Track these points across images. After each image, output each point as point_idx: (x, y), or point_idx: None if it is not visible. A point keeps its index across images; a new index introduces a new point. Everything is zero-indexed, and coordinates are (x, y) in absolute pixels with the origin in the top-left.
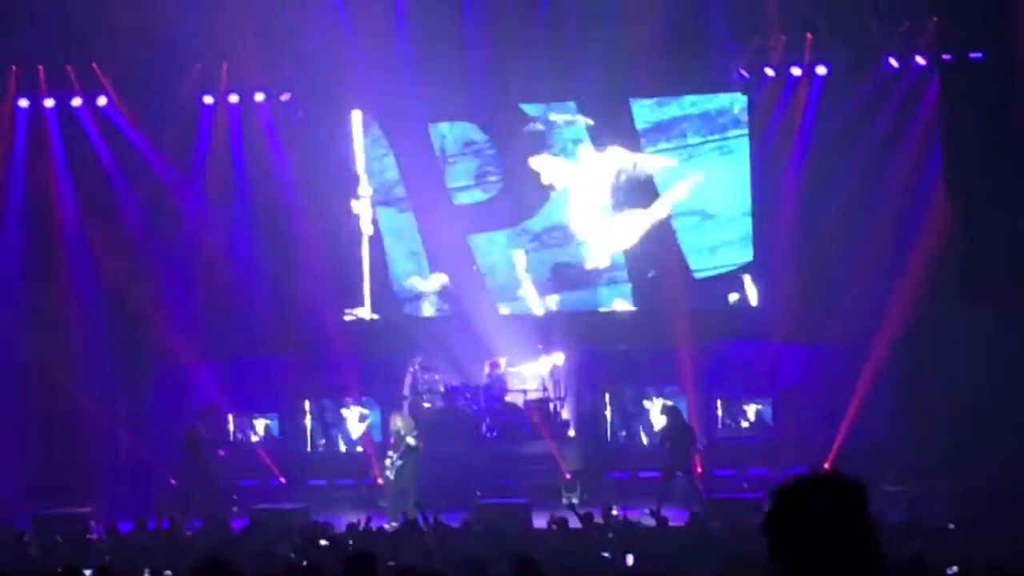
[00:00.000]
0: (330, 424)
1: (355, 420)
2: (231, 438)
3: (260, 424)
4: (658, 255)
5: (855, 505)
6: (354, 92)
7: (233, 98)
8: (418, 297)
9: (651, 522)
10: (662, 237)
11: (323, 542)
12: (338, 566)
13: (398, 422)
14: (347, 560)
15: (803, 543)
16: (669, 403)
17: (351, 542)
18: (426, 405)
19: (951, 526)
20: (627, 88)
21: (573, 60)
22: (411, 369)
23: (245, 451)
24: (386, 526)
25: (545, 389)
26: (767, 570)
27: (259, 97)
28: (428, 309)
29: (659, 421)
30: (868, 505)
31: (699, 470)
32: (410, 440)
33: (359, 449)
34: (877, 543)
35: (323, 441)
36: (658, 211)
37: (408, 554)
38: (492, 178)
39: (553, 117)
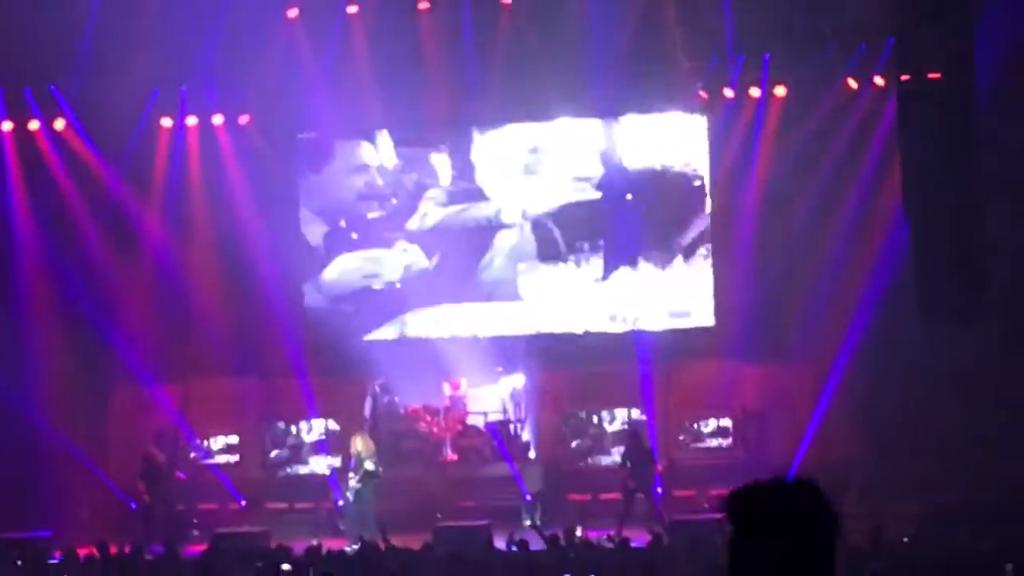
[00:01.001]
0: (289, 446)
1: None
2: (189, 461)
3: (219, 446)
4: None
5: (816, 510)
6: (311, 114)
7: (191, 121)
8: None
9: (611, 545)
10: None
11: (285, 566)
12: None
13: (358, 444)
14: None
15: (761, 547)
16: (627, 426)
17: (313, 566)
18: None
19: (905, 539)
20: (581, 108)
21: (528, 82)
22: (371, 391)
23: (204, 474)
24: (347, 549)
25: (505, 411)
26: None
27: (217, 120)
28: (390, 332)
29: (618, 442)
30: (831, 512)
31: (660, 491)
32: (368, 465)
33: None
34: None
35: (283, 464)
36: None
37: None
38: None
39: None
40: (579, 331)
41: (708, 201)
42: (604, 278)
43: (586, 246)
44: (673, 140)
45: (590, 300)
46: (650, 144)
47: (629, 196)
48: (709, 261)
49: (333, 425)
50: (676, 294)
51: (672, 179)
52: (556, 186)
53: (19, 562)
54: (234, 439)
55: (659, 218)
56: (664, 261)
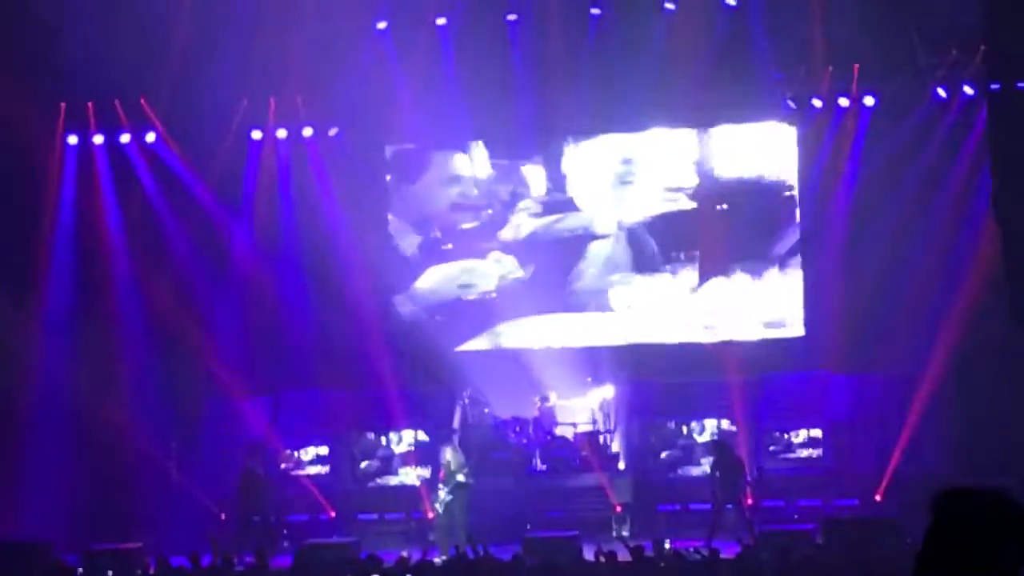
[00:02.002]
0: (379, 457)
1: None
2: (280, 472)
3: (309, 457)
4: None
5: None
6: (400, 126)
7: (281, 133)
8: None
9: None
10: None
11: None
12: None
13: (448, 455)
14: None
15: (962, 550)
16: (716, 437)
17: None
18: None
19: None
20: (673, 118)
21: (619, 92)
22: (461, 402)
23: (294, 485)
24: (437, 560)
25: (595, 422)
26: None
27: (307, 132)
28: (482, 343)
29: (707, 453)
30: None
31: (749, 502)
32: (460, 477)
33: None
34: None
35: (373, 475)
36: None
37: None
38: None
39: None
40: (672, 341)
41: (798, 211)
42: (698, 288)
43: (681, 256)
44: (764, 150)
45: (683, 310)
46: (742, 154)
47: (723, 206)
48: (800, 271)
49: (423, 436)
50: (769, 304)
51: (764, 189)
52: (649, 196)
53: (111, 573)
54: (324, 450)
55: (752, 228)
56: (758, 271)
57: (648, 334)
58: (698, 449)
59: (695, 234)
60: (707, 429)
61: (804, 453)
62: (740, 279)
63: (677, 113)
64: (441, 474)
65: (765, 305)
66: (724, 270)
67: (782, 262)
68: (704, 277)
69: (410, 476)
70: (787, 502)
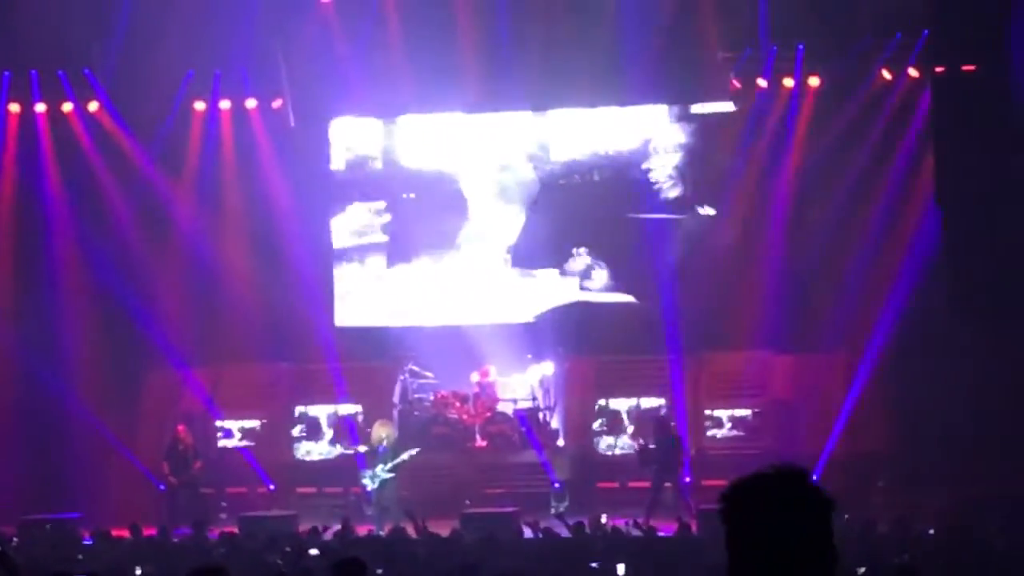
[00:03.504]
0: (318, 430)
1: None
2: (218, 445)
3: (248, 430)
4: None
5: (809, 501)
6: (344, 98)
7: (224, 104)
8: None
9: (637, 533)
10: None
11: (313, 551)
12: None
13: (382, 431)
14: (336, 567)
15: (757, 541)
16: (659, 414)
17: (341, 551)
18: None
19: (931, 531)
20: (618, 97)
21: (565, 67)
22: (401, 377)
23: (233, 458)
24: (376, 534)
25: (534, 398)
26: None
27: (250, 104)
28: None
29: (646, 431)
30: (826, 505)
31: (688, 480)
32: (404, 455)
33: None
34: (831, 544)
35: (312, 448)
36: None
37: (397, 563)
38: None
39: None
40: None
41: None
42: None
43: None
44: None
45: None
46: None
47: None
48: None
49: (362, 409)
50: None
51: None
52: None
53: (49, 544)
54: (264, 423)
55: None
56: None
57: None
58: (636, 427)
59: None
60: (644, 407)
61: (744, 432)
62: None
63: (623, 93)
64: (380, 449)
65: None
66: None
67: None
68: None
69: (348, 450)
70: (727, 481)
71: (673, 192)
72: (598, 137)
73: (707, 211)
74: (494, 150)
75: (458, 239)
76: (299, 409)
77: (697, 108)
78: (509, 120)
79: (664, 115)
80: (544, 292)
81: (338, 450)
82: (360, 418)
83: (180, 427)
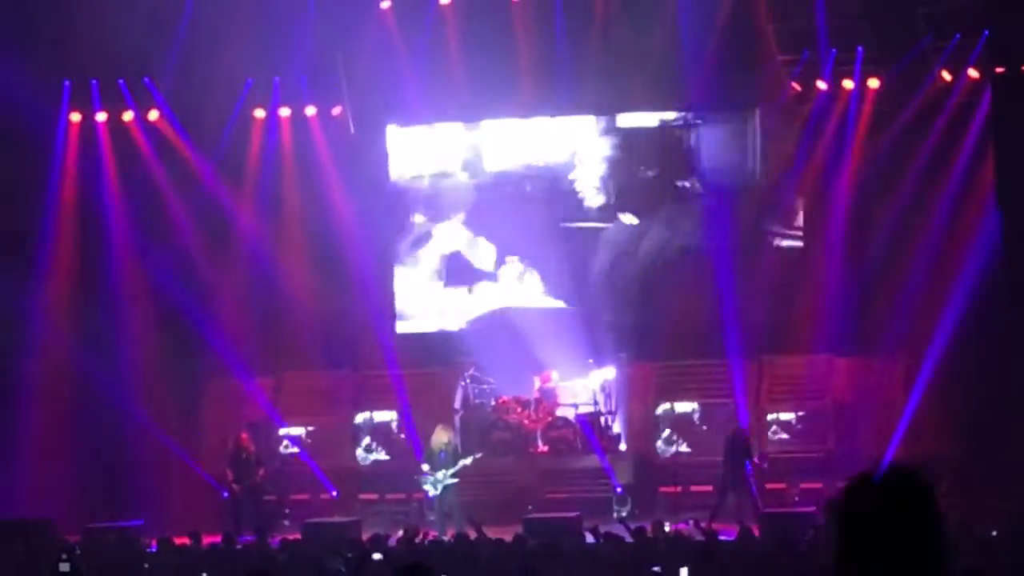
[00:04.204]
0: (381, 437)
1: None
2: (281, 452)
3: (311, 437)
4: None
5: (924, 502)
6: (402, 105)
7: (284, 112)
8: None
9: (699, 536)
10: None
11: (376, 556)
12: None
13: (443, 437)
14: (400, 572)
15: (871, 538)
16: (729, 428)
17: (404, 557)
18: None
19: (994, 533)
20: (678, 103)
21: (624, 73)
22: (463, 382)
23: (296, 465)
24: (439, 539)
25: (596, 403)
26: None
27: (310, 111)
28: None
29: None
30: (936, 504)
31: (754, 485)
32: (467, 460)
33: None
34: (944, 542)
35: (375, 455)
36: None
37: (461, 568)
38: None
39: None
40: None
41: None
42: None
43: None
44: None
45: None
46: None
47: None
48: None
49: (425, 416)
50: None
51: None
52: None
53: (112, 551)
54: (326, 430)
55: None
56: None
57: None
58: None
59: None
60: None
61: (806, 436)
62: None
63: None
64: (442, 455)
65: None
66: None
67: None
68: None
69: (411, 457)
70: (788, 484)
71: (597, 201)
72: (530, 148)
73: (629, 219)
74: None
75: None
76: (361, 416)
77: (623, 121)
78: (570, 124)
79: (592, 127)
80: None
81: (401, 457)
82: (424, 424)
83: (243, 435)
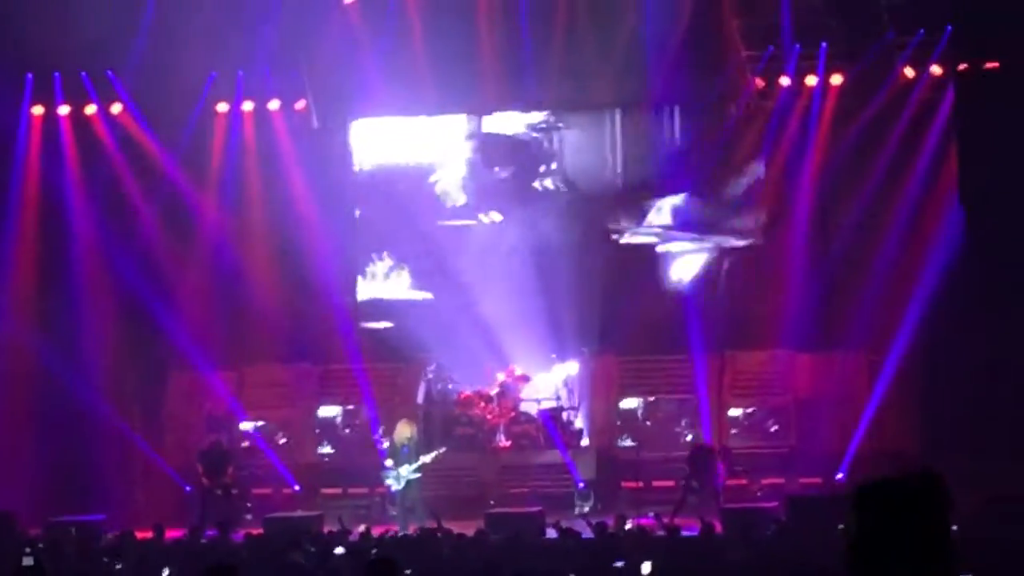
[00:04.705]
0: (343, 432)
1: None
2: (243, 446)
3: (273, 432)
4: None
5: (939, 506)
6: (368, 100)
7: (247, 106)
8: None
9: (661, 531)
10: None
11: (339, 550)
12: (355, 574)
13: (405, 431)
14: (368, 567)
15: (884, 542)
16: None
17: (368, 551)
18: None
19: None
20: (640, 97)
21: (587, 68)
22: (425, 377)
23: (258, 459)
24: (401, 534)
25: (559, 398)
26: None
27: (273, 105)
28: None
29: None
30: (950, 508)
31: (720, 481)
32: (426, 458)
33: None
34: (954, 547)
35: (336, 449)
36: None
37: (423, 562)
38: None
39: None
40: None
41: None
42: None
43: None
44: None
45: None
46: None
47: None
48: None
49: (386, 410)
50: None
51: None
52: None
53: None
54: (288, 424)
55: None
56: None
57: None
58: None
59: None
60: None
61: (768, 431)
62: None
63: (644, 93)
64: (404, 450)
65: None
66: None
67: None
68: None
69: (372, 451)
70: (750, 480)
71: (460, 200)
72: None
73: (492, 217)
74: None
75: None
76: (323, 410)
77: (488, 125)
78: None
79: (461, 129)
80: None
81: (363, 452)
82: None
83: (215, 435)
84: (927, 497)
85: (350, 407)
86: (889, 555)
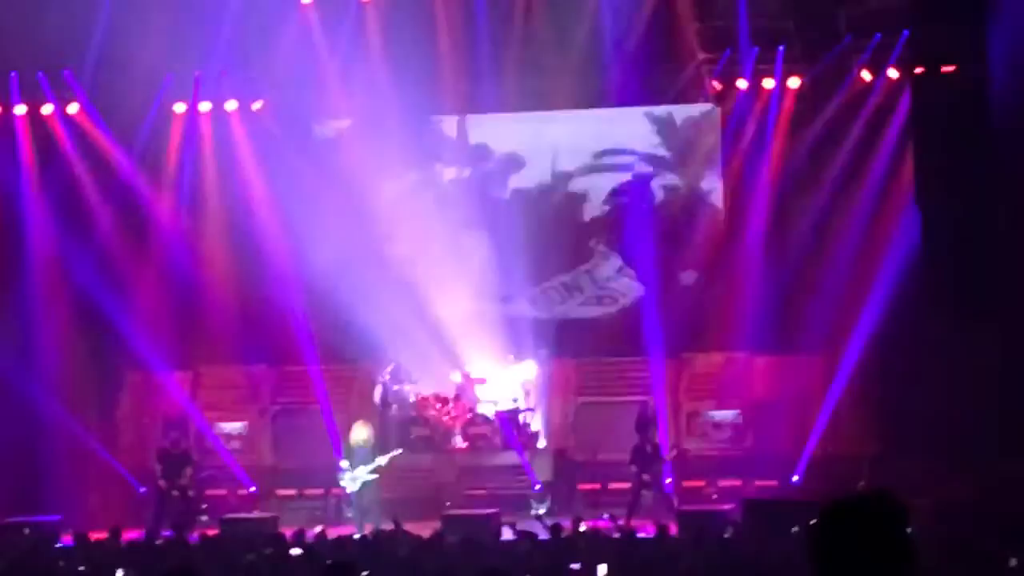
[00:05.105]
0: (297, 433)
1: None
2: (200, 447)
3: (228, 433)
4: None
5: (898, 526)
6: (325, 101)
7: (204, 107)
8: None
9: (616, 533)
10: None
11: (295, 551)
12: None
13: (362, 432)
14: (327, 570)
15: (847, 563)
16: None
17: (324, 552)
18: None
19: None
20: (598, 98)
21: (545, 70)
22: (382, 379)
23: (213, 460)
24: (355, 536)
25: (515, 400)
26: None
27: (231, 106)
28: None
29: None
30: (908, 526)
31: (668, 481)
32: (382, 460)
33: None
34: (915, 563)
35: (291, 451)
36: None
37: (379, 564)
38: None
39: None
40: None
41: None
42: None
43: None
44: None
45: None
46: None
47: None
48: None
49: (342, 412)
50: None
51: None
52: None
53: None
54: (243, 426)
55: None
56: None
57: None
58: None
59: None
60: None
61: (724, 434)
62: None
63: (602, 95)
64: (361, 452)
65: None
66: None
67: None
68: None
69: (328, 453)
70: (707, 482)
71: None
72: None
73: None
74: None
75: None
76: (279, 411)
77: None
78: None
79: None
80: None
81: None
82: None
83: (175, 434)
84: (887, 520)
85: (306, 408)
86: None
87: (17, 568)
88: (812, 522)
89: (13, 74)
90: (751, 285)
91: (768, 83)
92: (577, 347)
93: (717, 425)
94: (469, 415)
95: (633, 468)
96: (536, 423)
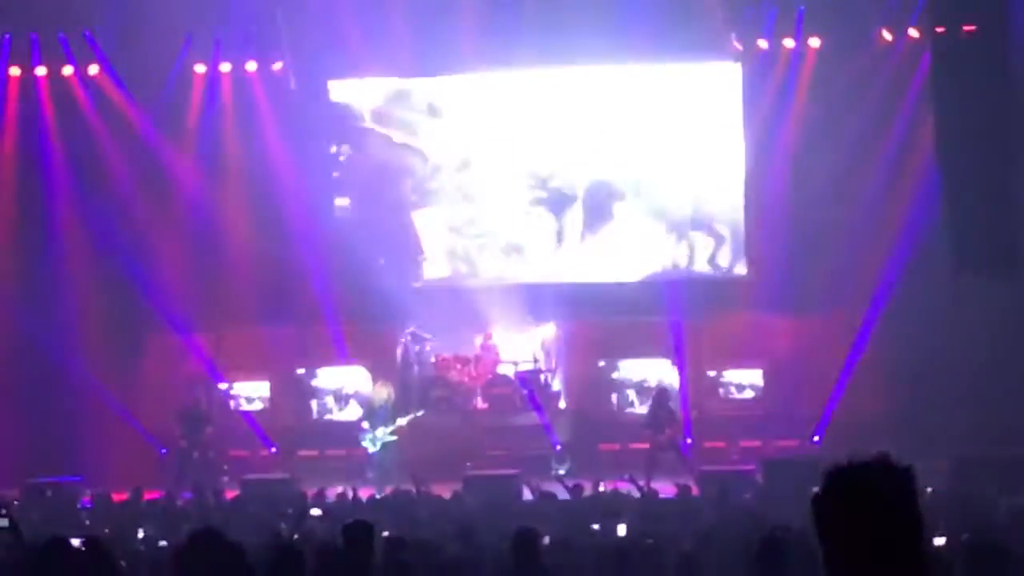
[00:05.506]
0: (321, 394)
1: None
2: (221, 407)
3: (250, 393)
4: None
5: (906, 490)
6: (346, 61)
7: (225, 67)
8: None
9: (636, 494)
10: None
11: (315, 512)
12: (330, 536)
13: (382, 392)
14: (345, 529)
15: (853, 526)
16: (656, 386)
17: (343, 513)
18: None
19: (929, 490)
20: (619, 54)
21: (566, 25)
22: (403, 339)
23: (235, 421)
24: (377, 496)
25: (536, 360)
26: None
27: (251, 67)
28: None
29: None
30: (917, 490)
31: (688, 441)
32: (402, 420)
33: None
34: (923, 528)
35: (314, 411)
36: None
37: (399, 524)
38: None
39: None
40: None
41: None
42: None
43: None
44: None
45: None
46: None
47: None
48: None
49: (365, 373)
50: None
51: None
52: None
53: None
54: (266, 386)
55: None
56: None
57: (591, 273)
58: (639, 393)
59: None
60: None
61: (744, 394)
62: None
63: (623, 50)
64: (382, 413)
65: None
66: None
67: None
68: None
69: (351, 413)
70: (727, 443)
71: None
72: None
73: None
74: None
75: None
76: (301, 371)
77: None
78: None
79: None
80: None
81: (342, 414)
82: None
83: (197, 392)
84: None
85: (327, 368)
86: (863, 550)
87: (40, 527)
88: (815, 492)
89: (33, 36)
90: (771, 246)
91: (788, 43)
92: (598, 307)
93: (738, 386)
94: (490, 376)
95: (648, 431)
96: (556, 383)
